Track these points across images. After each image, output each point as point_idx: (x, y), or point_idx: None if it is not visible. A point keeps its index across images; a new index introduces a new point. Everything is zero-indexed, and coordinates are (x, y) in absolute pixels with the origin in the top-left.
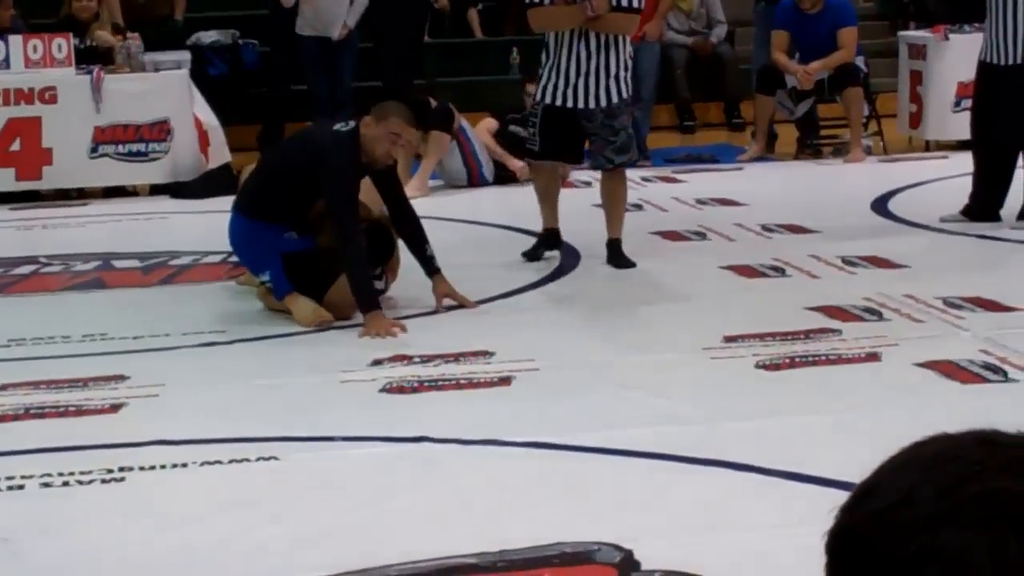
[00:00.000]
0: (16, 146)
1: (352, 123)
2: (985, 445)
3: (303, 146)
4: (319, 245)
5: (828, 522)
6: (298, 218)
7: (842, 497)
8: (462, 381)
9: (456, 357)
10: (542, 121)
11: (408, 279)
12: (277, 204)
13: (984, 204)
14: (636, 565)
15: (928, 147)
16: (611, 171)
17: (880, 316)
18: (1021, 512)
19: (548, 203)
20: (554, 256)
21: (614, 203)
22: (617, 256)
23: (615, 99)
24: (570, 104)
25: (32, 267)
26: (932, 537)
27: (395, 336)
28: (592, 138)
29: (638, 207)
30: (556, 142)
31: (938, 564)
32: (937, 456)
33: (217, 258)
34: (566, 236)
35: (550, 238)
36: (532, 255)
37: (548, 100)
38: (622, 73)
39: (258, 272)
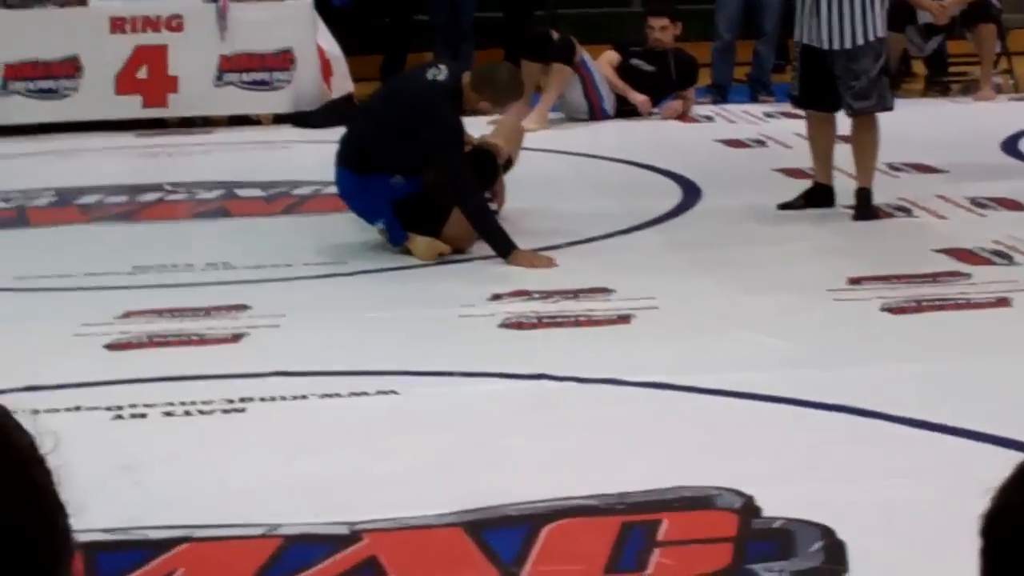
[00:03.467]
0: (143, 73)
1: (445, 71)
2: None
3: (402, 101)
4: (427, 184)
5: (984, 503)
6: (403, 165)
7: (970, 448)
8: (581, 318)
9: (575, 294)
10: (802, 63)
11: (521, 209)
12: (381, 158)
13: None
14: (757, 511)
15: None
16: (858, 117)
17: (1011, 260)
18: None
19: (817, 154)
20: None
21: (859, 151)
22: (862, 206)
23: (859, 40)
24: (815, 43)
25: (157, 195)
26: None
27: (550, 267)
28: (837, 81)
29: (761, 143)
30: (816, 87)
31: None
32: None
33: (338, 191)
34: (686, 170)
35: (820, 193)
36: (787, 205)
37: (801, 38)
38: (869, 9)
39: (372, 221)
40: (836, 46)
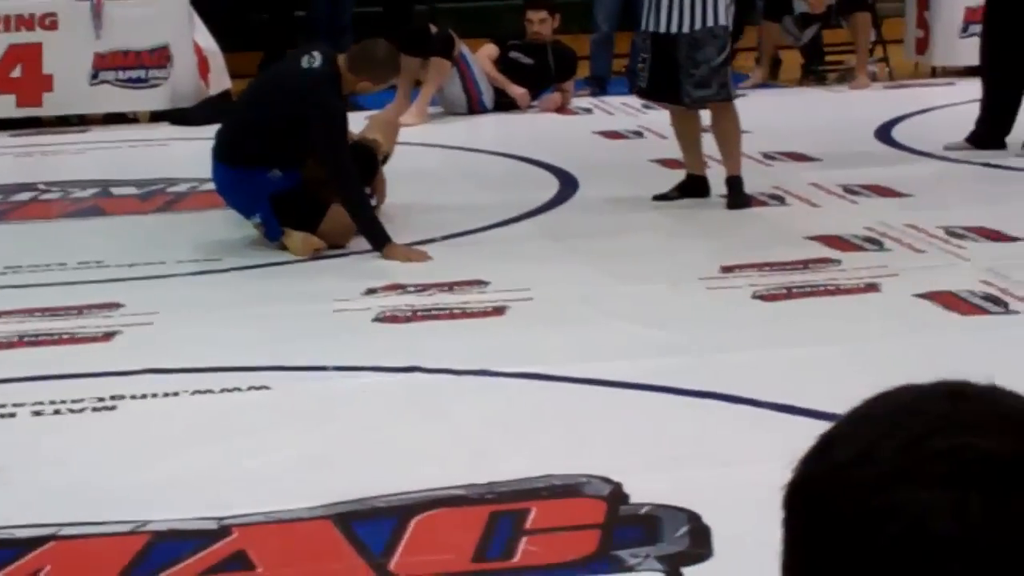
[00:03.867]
0: (17, 72)
1: (319, 57)
2: (951, 398)
3: (278, 92)
4: (305, 178)
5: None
6: (281, 158)
7: None
8: (455, 311)
9: (450, 286)
10: (652, 54)
11: (399, 204)
12: (257, 151)
13: (990, 131)
14: (625, 498)
15: (934, 73)
16: (715, 105)
17: (881, 246)
18: (985, 470)
19: (685, 145)
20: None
21: (721, 139)
22: (734, 194)
23: (700, 24)
24: (660, 29)
25: (31, 194)
26: (891, 495)
27: (423, 261)
28: (679, 69)
29: (638, 134)
30: (661, 78)
31: (897, 523)
32: (900, 409)
33: (214, 186)
34: (563, 162)
35: (691, 184)
36: (662, 196)
37: (648, 27)
38: None
39: (248, 216)
40: (678, 29)
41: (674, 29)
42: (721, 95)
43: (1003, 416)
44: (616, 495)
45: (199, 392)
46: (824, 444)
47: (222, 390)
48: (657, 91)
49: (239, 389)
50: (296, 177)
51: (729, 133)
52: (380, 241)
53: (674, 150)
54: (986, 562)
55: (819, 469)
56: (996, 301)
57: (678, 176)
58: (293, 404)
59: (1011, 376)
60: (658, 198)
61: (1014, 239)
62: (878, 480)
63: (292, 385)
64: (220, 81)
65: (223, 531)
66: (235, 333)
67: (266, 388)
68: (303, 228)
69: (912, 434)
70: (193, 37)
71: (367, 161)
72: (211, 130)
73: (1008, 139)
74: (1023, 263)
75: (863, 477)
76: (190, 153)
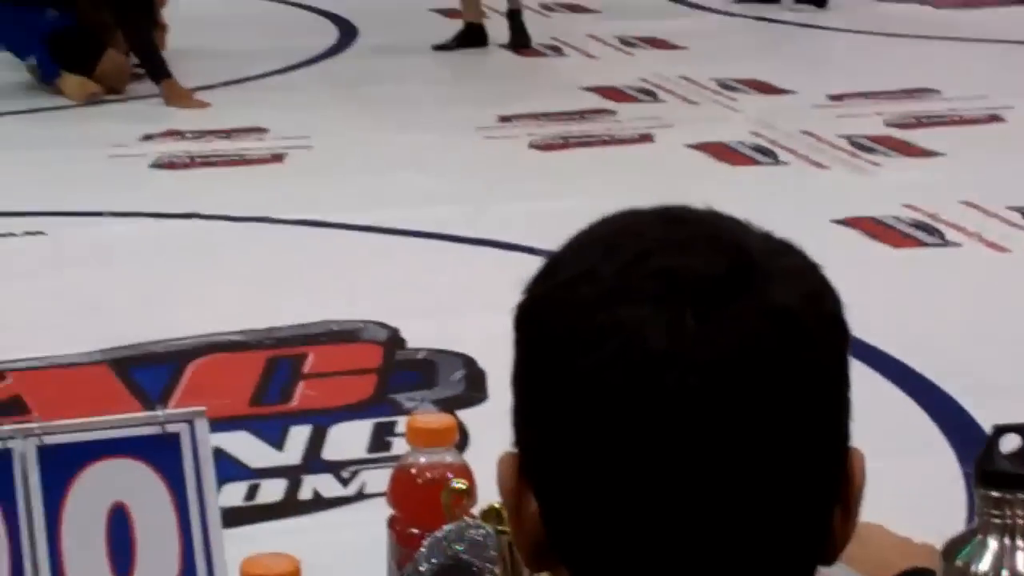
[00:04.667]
0: None
1: None
2: (670, 222)
3: None
4: (80, 20)
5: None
6: None
7: None
8: (234, 158)
9: (228, 133)
10: None
11: (179, 50)
12: None
13: None
14: (402, 343)
15: None
16: None
17: (655, 97)
18: (698, 289)
19: None
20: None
21: None
22: (516, 31)
23: None
24: None
25: None
26: (610, 313)
27: (203, 108)
28: None
29: None
30: None
31: (616, 339)
32: (620, 231)
33: None
34: (342, 11)
35: (469, 33)
36: (442, 47)
37: None
38: None
39: (23, 57)
40: None
41: None
42: None
43: (716, 237)
44: (393, 340)
45: None
46: (549, 266)
47: None
48: None
49: (13, 234)
50: (72, 17)
51: None
52: (160, 73)
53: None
54: (698, 373)
55: (543, 289)
56: (765, 152)
57: (457, 25)
58: (69, 250)
59: (769, 223)
60: (438, 48)
61: (784, 91)
62: (598, 298)
63: (68, 230)
64: None
65: None
66: (9, 178)
67: (41, 233)
68: (79, 70)
69: (629, 255)
70: None
71: (146, 4)
72: None
73: None
74: (791, 115)
75: (584, 296)
76: None
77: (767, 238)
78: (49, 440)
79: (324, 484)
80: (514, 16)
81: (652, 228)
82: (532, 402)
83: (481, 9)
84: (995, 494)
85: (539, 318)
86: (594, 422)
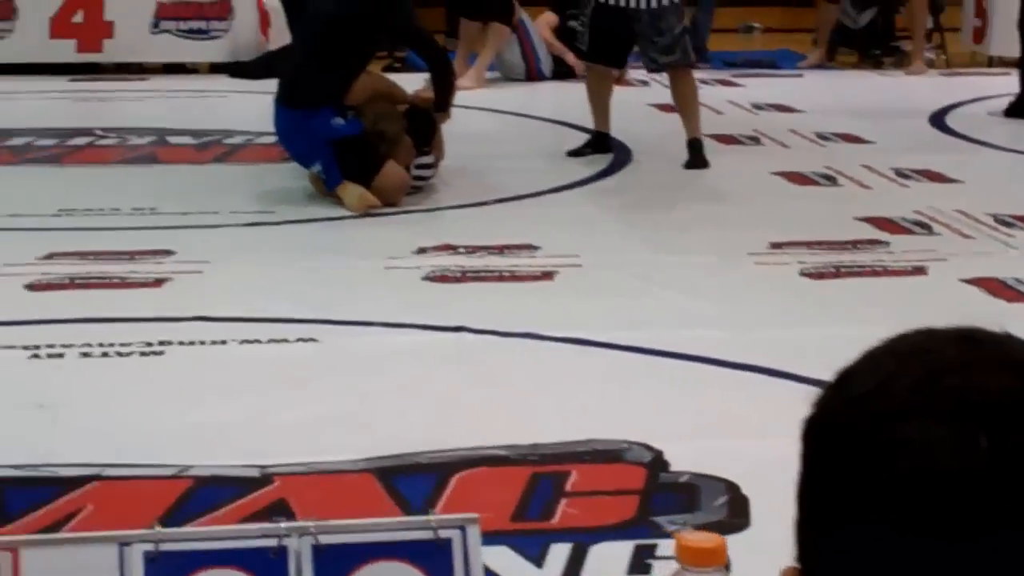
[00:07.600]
0: (79, 18)
1: None
2: (965, 341)
3: (327, 22)
4: (366, 129)
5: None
6: (341, 98)
7: None
8: (505, 274)
9: (500, 249)
10: (592, 20)
11: (454, 166)
12: (318, 87)
13: None
14: (665, 465)
15: (991, 63)
16: (674, 71)
17: (929, 230)
18: (992, 409)
19: (598, 105)
20: (601, 159)
21: (682, 103)
22: (694, 155)
23: (664, 1)
24: (620, 3)
25: (87, 139)
26: (902, 428)
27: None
28: (639, 38)
29: None
30: (605, 43)
31: (906, 455)
32: (915, 348)
33: (271, 139)
34: (618, 133)
35: (599, 140)
36: (577, 153)
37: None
38: None
39: (309, 164)
40: (640, 5)
41: (640, 4)
42: (684, 60)
43: (1011, 359)
44: (656, 462)
45: (247, 341)
46: (841, 379)
47: (269, 340)
48: (599, 55)
49: (286, 340)
50: (358, 126)
51: (688, 97)
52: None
53: (728, 126)
54: (988, 495)
55: (835, 402)
56: None
57: (732, 151)
58: (339, 358)
59: None
60: (572, 153)
61: None
62: (891, 414)
63: (339, 339)
64: (281, 36)
65: (265, 479)
66: (285, 285)
67: (313, 340)
68: (358, 181)
69: (924, 372)
70: None
71: (426, 120)
72: (270, 85)
73: None
74: None
75: (877, 410)
76: (248, 106)
77: None
78: (324, 540)
79: None
80: (694, 144)
81: (947, 346)
82: (818, 515)
83: (608, 119)
84: None
85: (830, 430)
86: (883, 537)
